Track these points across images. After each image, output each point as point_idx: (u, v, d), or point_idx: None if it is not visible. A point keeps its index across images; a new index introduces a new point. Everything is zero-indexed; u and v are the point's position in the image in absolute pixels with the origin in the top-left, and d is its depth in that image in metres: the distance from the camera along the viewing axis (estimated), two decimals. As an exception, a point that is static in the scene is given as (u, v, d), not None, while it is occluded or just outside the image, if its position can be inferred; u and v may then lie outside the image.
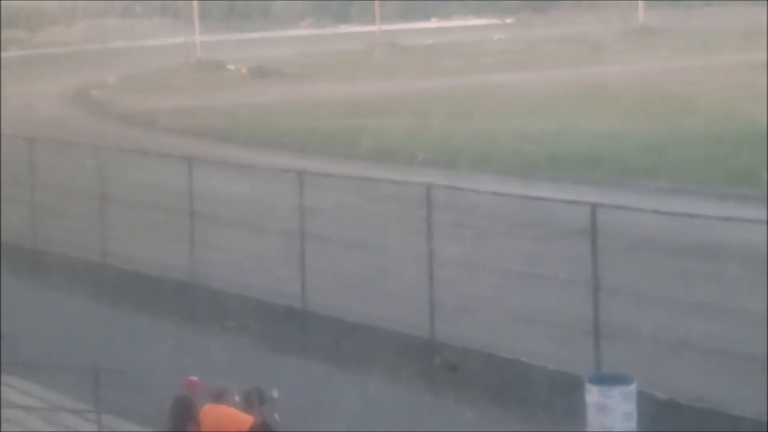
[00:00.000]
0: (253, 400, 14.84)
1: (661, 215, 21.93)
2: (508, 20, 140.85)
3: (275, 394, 15.31)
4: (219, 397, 14.77)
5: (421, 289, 20.56)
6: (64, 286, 26.86)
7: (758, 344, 17.71)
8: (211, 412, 14.74)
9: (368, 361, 20.64)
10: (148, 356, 21.14)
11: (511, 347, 19.96)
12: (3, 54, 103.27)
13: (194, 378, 15.42)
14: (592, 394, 16.29)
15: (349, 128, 53.37)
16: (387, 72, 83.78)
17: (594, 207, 17.93)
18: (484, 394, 19.07)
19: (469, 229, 28.42)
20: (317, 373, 20.63)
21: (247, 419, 14.60)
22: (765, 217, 18.69)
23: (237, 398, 14.94)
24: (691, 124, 49.15)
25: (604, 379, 16.52)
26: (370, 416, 18.35)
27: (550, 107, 58.63)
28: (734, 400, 17.21)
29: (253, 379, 16.17)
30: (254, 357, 21.23)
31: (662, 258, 26.31)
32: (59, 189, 32.84)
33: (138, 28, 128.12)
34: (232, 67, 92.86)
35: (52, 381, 19.43)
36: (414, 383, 19.95)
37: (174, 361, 20.16)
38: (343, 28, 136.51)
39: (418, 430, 18.05)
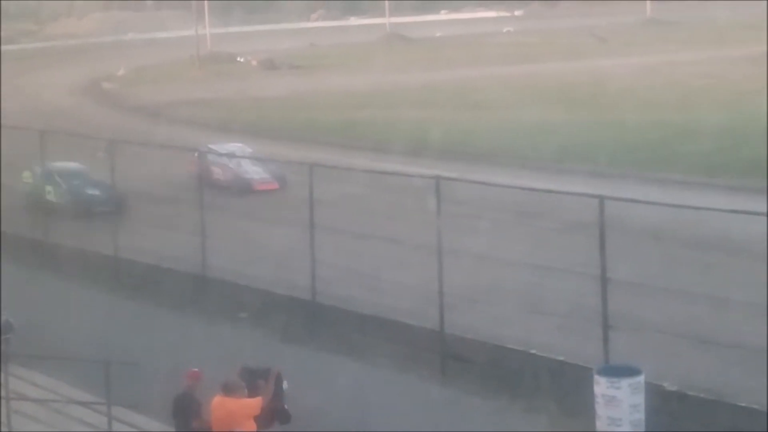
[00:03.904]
0: (254, 380, 14.96)
1: (669, 207, 22.00)
2: (518, 12, 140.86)
3: (285, 385, 15.42)
4: (230, 391, 14.84)
5: (430, 280, 20.62)
6: (76, 279, 26.92)
7: (761, 335, 17.78)
8: (221, 404, 14.83)
9: (378, 353, 20.71)
10: (159, 348, 21.21)
11: (520, 338, 20.03)
12: (14, 46, 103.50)
13: (196, 370, 15.50)
14: (601, 386, 16.38)
15: (359, 120, 53.48)
16: (396, 64, 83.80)
17: (602, 199, 17.96)
18: (493, 385, 19.14)
19: (478, 221, 28.50)
20: (327, 364, 20.71)
21: (256, 403, 14.71)
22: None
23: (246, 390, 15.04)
24: (700, 116, 49.08)
25: (612, 371, 16.60)
26: (379, 406, 18.43)
27: (559, 99, 58.63)
28: (742, 391, 17.26)
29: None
30: (265, 348, 21.30)
31: (669, 249, 26.38)
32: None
33: (149, 21, 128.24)
34: (243, 60, 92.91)
35: (62, 373, 19.50)
36: (423, 374, 20.02)
37: (184, 352, 20.24)
38: (354, 21, 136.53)
39: (426, 420, 18.13)
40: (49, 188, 32.91)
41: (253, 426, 14.64)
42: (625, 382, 16.22)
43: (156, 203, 32.42)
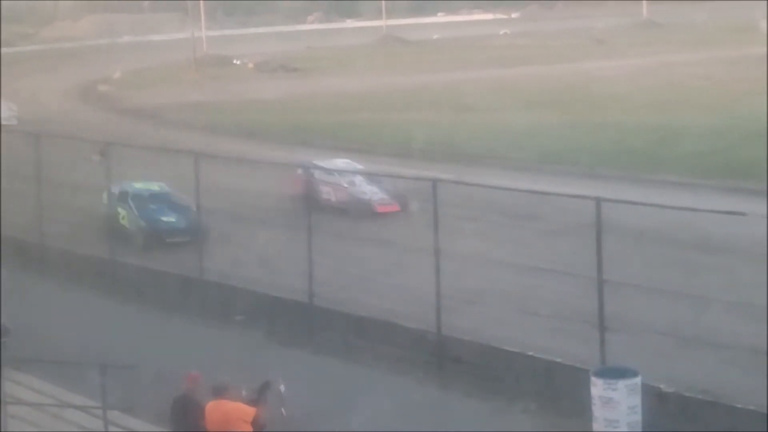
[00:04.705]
0: (260, 393, 14.96)
1: (666, 209, 22.02)
2: (514, 15, 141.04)
3: (282, 388, 15.40)
4: (222, 392, 14.83)
5: (427, 283, 20.60)
6: (72, 282, 26.88)
7: (759, 336, 17.78)
8: (215, 408, 14.80)
9: (375, 355, 20.70)
10: (157, 351, 21.18)
11: (517, 340, 20.01)
12: (10, 49, 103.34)
13: (196, 372, 15.47)
14: (598, 387, 16.37)
15: (355, 122, 53.45)
16: (393, 66, 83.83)
17: (598, 201, 17.96)
18: (490, 386, 19.12)
19: (475, 224, 28.48)
20: (324, 366, 20.69)
21: (250, 411, 14.70)
22: (765, 211, 18.66)
23: (244, 392, 15.02)
24: (695, 118, 49.12)
25: (609, 372, 16.59)
26: (376, 409, 18.40)
27: (556, 102, 58.63)
28: (739, 393, 17.25)
29: (261, 373, 16.25)
30: (262, 351, 21.28)
31: (665, 251, 26.36)
32: (64, 185, 32.79)
33: (145, 24, 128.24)
34: (239, 62, 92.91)
35: (58, 377, 19.47)
36: (421, 376, 20.00)
37: (182, 356, 20.20)
38: (350, 23, 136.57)
39: (423, 422, 18.11)
40: (122, 212, 29.95)
41: (249, 428, 14.63)
42: (621, 384, 16.22)
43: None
